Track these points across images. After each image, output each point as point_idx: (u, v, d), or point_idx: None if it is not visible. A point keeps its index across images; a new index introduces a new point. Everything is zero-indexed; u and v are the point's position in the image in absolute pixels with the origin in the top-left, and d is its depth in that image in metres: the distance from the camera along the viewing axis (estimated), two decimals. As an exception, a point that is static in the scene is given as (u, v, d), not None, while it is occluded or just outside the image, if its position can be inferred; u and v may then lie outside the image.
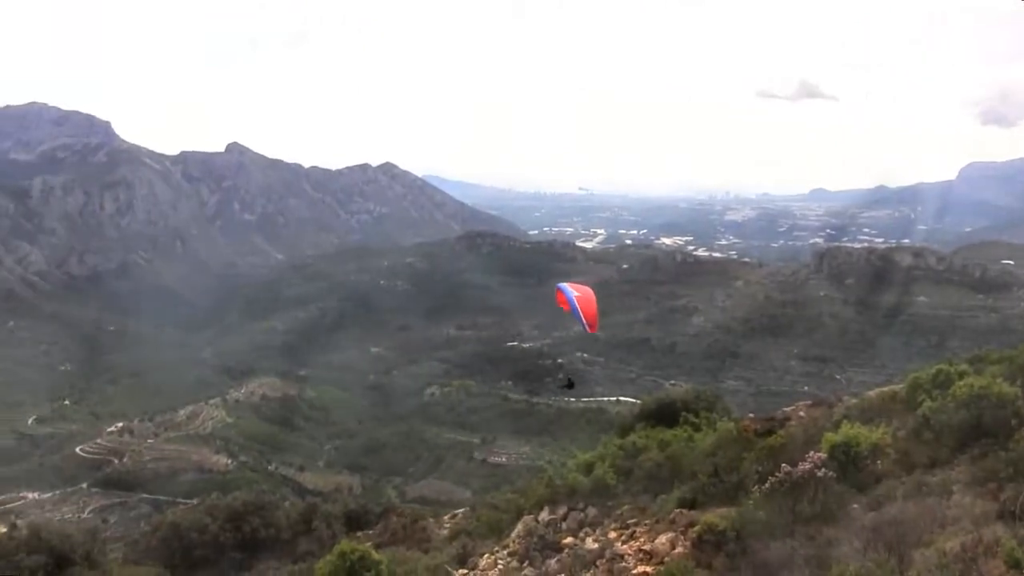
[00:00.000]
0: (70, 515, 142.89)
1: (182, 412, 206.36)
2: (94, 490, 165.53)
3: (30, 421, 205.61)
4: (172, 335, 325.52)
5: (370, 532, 35.97)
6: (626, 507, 25.23)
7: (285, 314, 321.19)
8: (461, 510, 38.82)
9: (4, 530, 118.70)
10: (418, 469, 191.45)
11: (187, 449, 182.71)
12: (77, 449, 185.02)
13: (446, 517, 38.18)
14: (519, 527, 27.13)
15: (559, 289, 33.74)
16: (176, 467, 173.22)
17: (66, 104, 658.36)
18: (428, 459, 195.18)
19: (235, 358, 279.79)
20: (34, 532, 35.64)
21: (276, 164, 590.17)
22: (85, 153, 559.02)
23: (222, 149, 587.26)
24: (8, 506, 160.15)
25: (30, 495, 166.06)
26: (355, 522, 40.34)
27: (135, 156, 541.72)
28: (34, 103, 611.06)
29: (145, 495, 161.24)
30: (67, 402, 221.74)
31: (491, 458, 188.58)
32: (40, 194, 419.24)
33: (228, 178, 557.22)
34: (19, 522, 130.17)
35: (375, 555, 22.98)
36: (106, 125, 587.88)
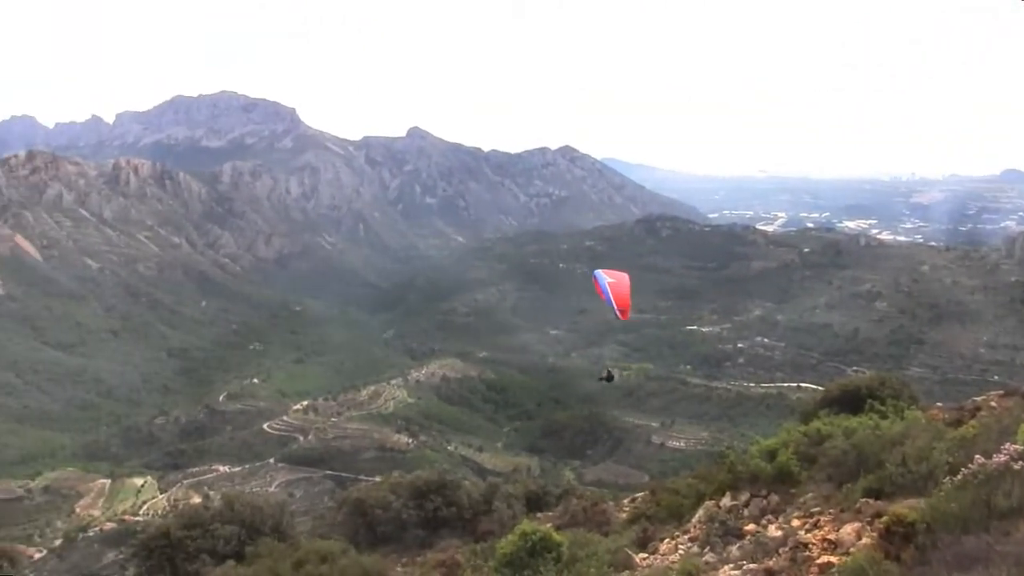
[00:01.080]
0: (258, 488, 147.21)
1: (364, 391, 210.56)
2: (280, 465, 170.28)
3: (221, 398, 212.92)
4: (355, 316, 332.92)
5: (550, 513, 35.68)
6: (810, 495, 24.28)
7: (465, 296, 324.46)
8: (640, 494, 38.15)
9: (199, 500, 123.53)
10: (596, 452, 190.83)
11: (369, 427, 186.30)
12: (265, 425, 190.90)
13: (625, 500, 37.57)
14: (700, 512, 26.39)
15: (595, 277, 32.84)
16: (358, 445, 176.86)
17: (254, 92, 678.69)
18: (607, 442, 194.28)
19: (416, 339, 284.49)
20: (228, 503, 36.34)
21: (456, 148, 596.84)
22: (272, 139, 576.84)
23: (403, 133, 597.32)
24: (201, 478, 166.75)
25: (221, 468, 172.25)
26: (535, 503, 40.08)
27: (319, 141, 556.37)
28: (224, 92, 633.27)
29: (328, 471, 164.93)
30: (255, 380, 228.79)
31: (669, 442, 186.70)
32: (230, 179, 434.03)
33: (409, 162, 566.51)
34: (211, 493, 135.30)
35: (556, 536, 22.59)
36: (292, 112, 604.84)
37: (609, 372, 47.46)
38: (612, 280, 38.54)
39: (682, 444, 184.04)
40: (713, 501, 26.86)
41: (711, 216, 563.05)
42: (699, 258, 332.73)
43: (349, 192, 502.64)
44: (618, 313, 37.63)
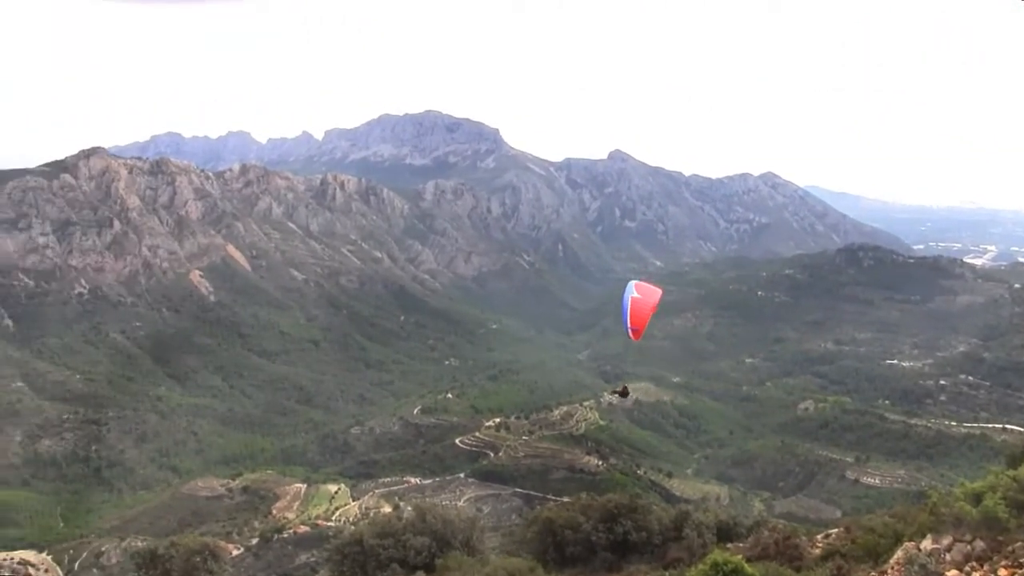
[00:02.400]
0: (447, 502, 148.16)
1: (557, 412, 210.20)
2: (470, 480, 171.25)
3: (416, 410, 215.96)
4: (550, 336, 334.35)
5: (741, 545, 34.32)
6: (1019, 544, 22.47)
7: (661, 321, 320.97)
8: (834, 530, 36.36)
9: (390, 510, 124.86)
10: (788, 484, 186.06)
11: (559, 448, 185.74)
12: (457, 440, 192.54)
13: (819, 536, 35.84)
14: (899, 553, 24.72)
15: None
16: (548, 464, 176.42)
17: (458, 112, 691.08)
18: (798, 475, 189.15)
19: (610, 362, 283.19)
20: (420, 515, 36.39)
21: (657, 171, 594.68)
22: (475, 159, 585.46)
23: (605, 156, 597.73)
24: (392, 488, 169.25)
25: (412, 479, 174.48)
26: (726, 533, 38.70)
27: (521, 162, 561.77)
28: (429, 111, 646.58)
29: (517, 489, 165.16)
30: (450, 395, 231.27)
31: (864, 478, 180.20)
32: (432, 197, 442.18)
33: (610, 184, 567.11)
34: (402, 504, 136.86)
35: (748, 568, 21.42)
36: (495, 132, 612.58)
37: (625, 387, 46.09)
38: (638, 296, 36.41)
39: (877, 481, 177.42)
40: (913, 543, 25.24)
41: (916, 247, 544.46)
42: (902, 290, 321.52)
43: (549, 213, 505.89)
44: (629, 332, 35.65)
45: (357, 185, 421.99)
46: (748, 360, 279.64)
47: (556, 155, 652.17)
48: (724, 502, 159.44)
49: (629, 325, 34.36)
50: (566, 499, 57.18)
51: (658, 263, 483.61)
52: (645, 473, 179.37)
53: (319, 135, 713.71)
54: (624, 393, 51.00)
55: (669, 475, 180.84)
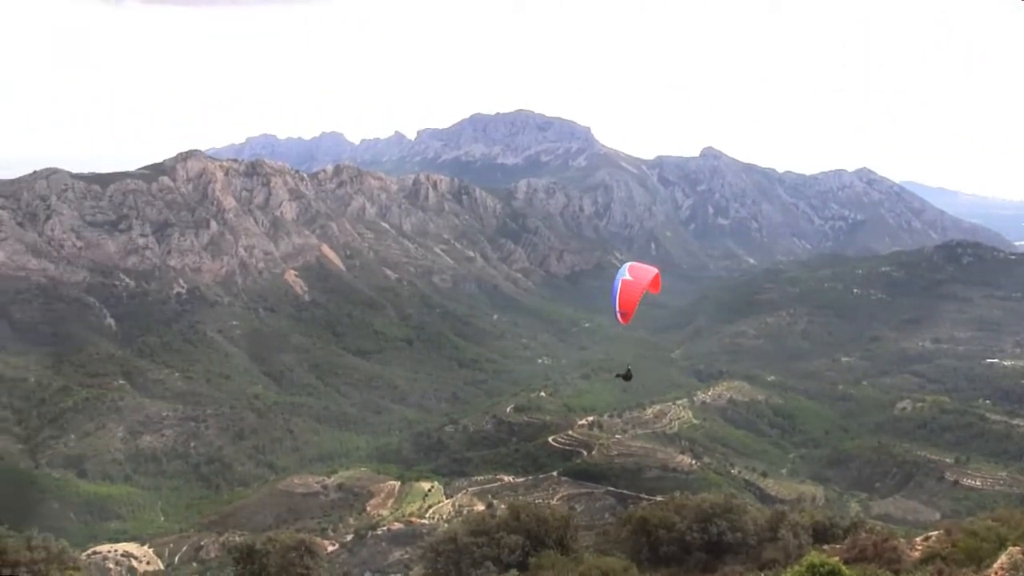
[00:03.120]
0: (541, 500, 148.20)
1: (650, 410, 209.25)
2: (563, 478, 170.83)
3: (508, 409, 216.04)
4: (644, 335, 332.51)
5: (837, 546, 33.87)
6: None
7: (755, 319, 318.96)
8: (934, 533, 35.69)
9: (483, 508, 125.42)
10: (885, 485, 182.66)
11: (653, 446, 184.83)
12: (550, 439, 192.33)
13: (918, 539, 35.24)
14: (1003, 559, 24.22)
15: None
16: (641, 463, 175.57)
17: (550, 111, 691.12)
18: (896, 476, 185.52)
19: (704, 360, 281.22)
20: (513, 513, 36.50)
21: (750, 168, 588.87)
22: (567, 157, 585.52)
23: (697, 153, 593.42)
24: (485, 486, 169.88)
25: (505, 478, 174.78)
26: (822, 534, 38.23)
27: (613, 160, 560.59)
28: (521, 111, 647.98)
29: (610, 488, 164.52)
30: (543, 393, 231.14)
31: (964, 480, 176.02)
32: (525, 196, 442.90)
33: (702, 182, 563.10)
34: (495, 502, 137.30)
35: (845, 571, 21.20)
36: (586, 131, 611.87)
37: (629, 371, 45.52)
38: (630, 278, 35.65)
39: (978, 483, 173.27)
40: (1018, 548, 24.72)
41: (1018, 244, 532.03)
42: (1003, 287, 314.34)
43: (641, 211, 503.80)
44: (618, 316, 34.93)
45: (449, 185, 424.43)
46: (844, 359, 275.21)
47: (648, 153, 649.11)
48: (820, 503, 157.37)
49: (618, 308, 34.02)
50: (659, 498, 56.84)
51: (751, 260, 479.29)
52: (739, 473, 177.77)
53: (411, 135, 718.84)
54: (628, 376, 51.10)
55: (763, 475, 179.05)
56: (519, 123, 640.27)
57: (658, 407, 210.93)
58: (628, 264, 34.86)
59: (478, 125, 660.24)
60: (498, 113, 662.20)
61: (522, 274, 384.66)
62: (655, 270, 37.06)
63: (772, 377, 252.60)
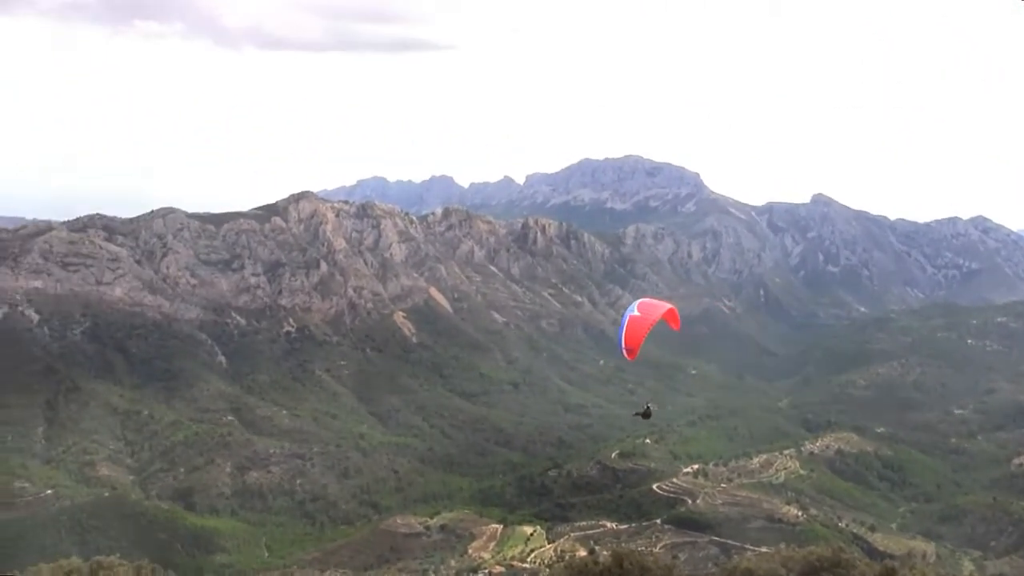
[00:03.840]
0: (643, 547, 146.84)
1: (756, 459, 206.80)
2: (667, 527, 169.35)
3: (613, 455, 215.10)
4: (751, 382, 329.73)
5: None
6: None
7: (865, 369, 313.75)
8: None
9: (585, 554, 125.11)
10: (1000, 544, 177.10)
11: (758, 496, 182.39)
12: (654, 486, 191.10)
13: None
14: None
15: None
16: (747, 513, 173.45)
17: (658, 156, 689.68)
18: (1012, 534, 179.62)
19: (812, 410, 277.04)
20: (617, 560, 36.57)
21: (861, 215, 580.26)
22: (676, 203, 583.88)
23: (807, 200, 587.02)
24: (588, 532, 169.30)
25: (608, 524, 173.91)
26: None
27: (722, 206, 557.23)
28: (629, 156, 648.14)
29: (714, 537, 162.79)
30: (648, 440, 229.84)
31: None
32: (633, 241, 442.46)
33: (812, 229, 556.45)
34: (597, 548, 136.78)
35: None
36: (695, 176, 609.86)
37: (648, 408, 45.04)
38: (638, 314, 35.69)
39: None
40: None
41: None
42: None
43: (750, 257, 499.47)
44: (624, 352, 34.84)
45: (558, 229, 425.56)
46: (957, 411, 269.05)
47: (758, 199, 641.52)
48: (931, 560, 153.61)
49: (623, 344, 34.19)
50: (765, 549, 56.66)
51: (862, 309, 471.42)
52: (847, 526, 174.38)
53: (520, 179, 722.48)
54: (647, 415, 51.15)
55: (872, 529, 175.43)
56: (628, 168, 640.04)
57: (764, 456, 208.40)
58: (639, 300, 35.41)
59: (587, 170, 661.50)
60: (607, 158, 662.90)
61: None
62: (668, 305, 37.63)
63: (882, 428, 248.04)
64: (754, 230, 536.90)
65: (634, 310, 36.21)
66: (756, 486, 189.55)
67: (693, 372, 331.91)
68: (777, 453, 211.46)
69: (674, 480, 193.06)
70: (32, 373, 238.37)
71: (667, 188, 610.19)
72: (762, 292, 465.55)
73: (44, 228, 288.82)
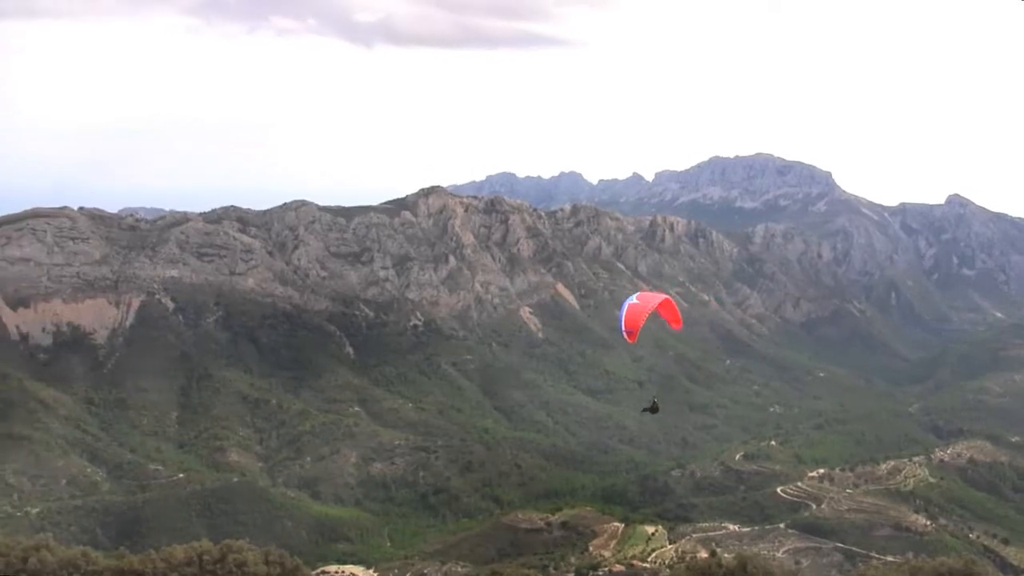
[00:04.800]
0: (765, 551, 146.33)
1: (883, 466, 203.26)
2: (790, 531, 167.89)
3: (737, 456, 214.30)
4: (880, 387, 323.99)
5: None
6: None
7: (1001, 376, 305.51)
8: None
9: (706, 555, 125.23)
10: None
11: (885, 504, 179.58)
12: (778, 489, 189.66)
13: None
14: None
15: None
16: (872, 520, 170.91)
17: (789, 155, 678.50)
18: None
19: (943, 416, 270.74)
20: (740, 563, 36.88)
21: (999, 218, 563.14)
22: (806, 202, 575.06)
23: (942, 200, 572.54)
24: (710, 533, 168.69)
25: (731, 526, 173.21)
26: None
27: (854, 206, 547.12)
28: (760, 154, 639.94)
29: (839, 544, 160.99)
30: (773, 442, 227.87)
31: None
32: (762, 240, 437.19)
33: (947, 231, 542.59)
34: (719, 550, 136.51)
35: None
36: (827, 175, 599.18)
37: (655, 402, 44.90)
38: (636, 301, 37.47)
39: None
40: None
41: None
42: None
43: (882, 259, 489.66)
44: (624, 334, 36.31)
45: (686, 227, 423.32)
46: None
47: (890, 199, 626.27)
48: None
49: (624, 327, 35.86)
50: (891, 558, 56.39)
51: (998, 314, 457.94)
52: (978, 537, 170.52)
53: (649, 176, 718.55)
54: (654, 409, 51.29)
55: (1005, 542, 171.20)
56: (758, 167, 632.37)
57: (892, 463, 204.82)
58: (637, 292, 37.72)
59: (716, 168, 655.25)
60: (737, 156, 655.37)
61: (756, 319, 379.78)
62: (663, 296, 40.11)
63: (1016, 438, 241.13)
64: (886, 231, 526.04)
65: (632, 299, 38.76)
66: (883, 493, 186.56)
67: (821, 375, 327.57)
68: (906, 460, 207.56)
69: (799, 484, 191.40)
70: (167, 360, 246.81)
71: (798, 187, 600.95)
72: (893, 295, 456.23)
73: (181, 219, 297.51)
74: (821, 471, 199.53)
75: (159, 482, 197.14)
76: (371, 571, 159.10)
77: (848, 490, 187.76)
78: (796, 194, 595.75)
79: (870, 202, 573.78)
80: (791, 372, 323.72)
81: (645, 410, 49.11)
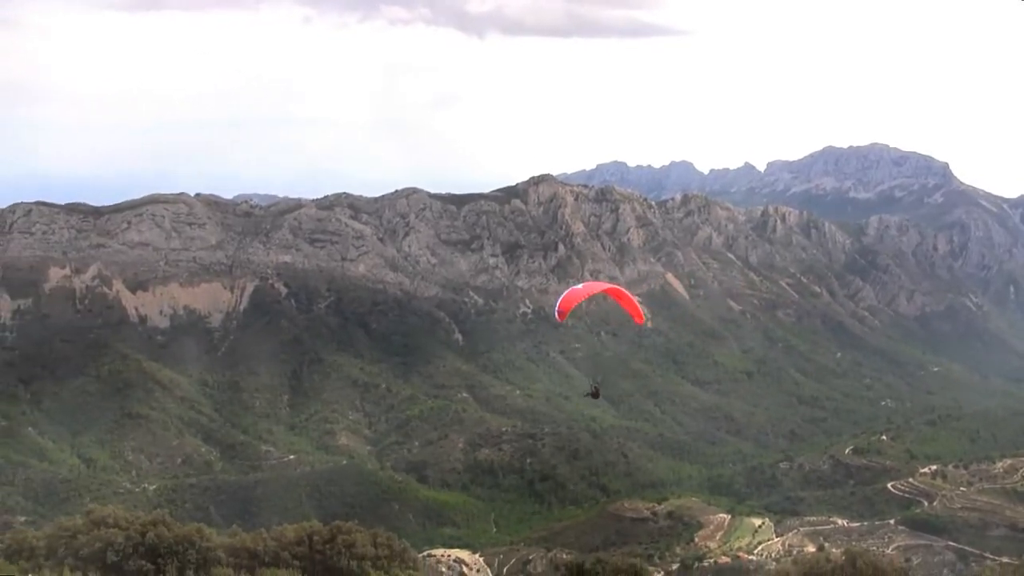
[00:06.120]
0: (874, 548, 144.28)
1: (999, 464, 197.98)
2: (900, 528, 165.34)
3: (847, 450, 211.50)
4: (995, 383, 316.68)
5: None
6: None
7: None
8: None
9: (813, 550, 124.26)
10: None
11: (1001, 503, 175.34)
12: (889, 485, 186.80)
13: None
14: None
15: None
16: (987, 520, 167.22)
17: (905, 145, 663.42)
18: None
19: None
20: (850, 559, 36.61)
21: None
22: (921, 194, 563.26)
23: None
24: (817, 527, 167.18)
25: (839, 521, 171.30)
26: None
27: (971, 198, 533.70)
28: (875, 144, 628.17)
29: (951, 542, 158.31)
30: (884, 437, 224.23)
31: None
32: (875, 232, 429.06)
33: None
34: (827, 545, 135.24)
35: None
36: (944, 166, 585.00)
37: (596, 388, 44.87)
38: (579, 287, 39.28)
39: None
40: None
41: None
42: None
43: (1000, 252, 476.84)
44: (556, 314, 37.67)
45: (798, 218, 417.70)
46: None
47: (1011, 191, 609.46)
48: None
49: (557, 307, 37.32)
50: (1006, 560, 55.52)
51: None
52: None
53: (761, 166, 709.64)
54: (595, 394, 51.41)
55: None
56: (873, 157, 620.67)
57: (1009, 461, 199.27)
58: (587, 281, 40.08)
59: (830, 158, 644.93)
60: (851, 146, 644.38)
61: (869, 312, 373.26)
62: (609, 284, 43.01)
63: None
64: (1006, 224, 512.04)
65: (578, 286, 41.22)
66: (999, 492, 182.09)
67: (935, 369, 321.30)
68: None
69: (910, 480, 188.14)
70: (280, 344, 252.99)
71: (913, 178, 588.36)
72: (1012, 289, 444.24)
73: (294, 205, 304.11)
74: (933, 467, 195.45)
75: (270, 463, 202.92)
76: (477, 556, 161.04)
77: (962, 488, 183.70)
78: (912, 185, 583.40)
79: (988, 193, 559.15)
80: (904, 366, 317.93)
81: (587, 395, 50.79)
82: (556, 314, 41.22)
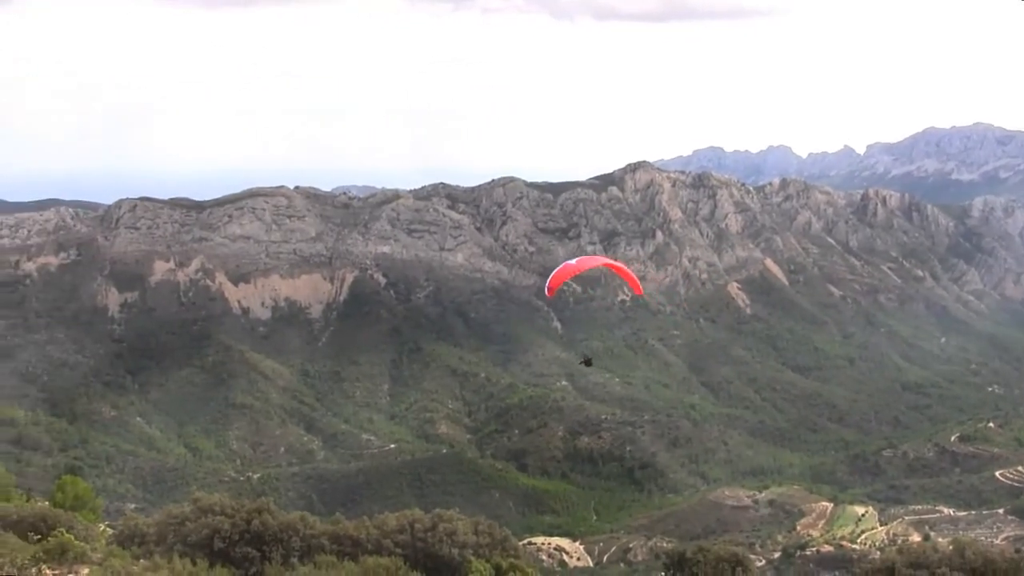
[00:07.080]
0: (983, 537, 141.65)
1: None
2: (1010, 517, 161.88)
3: (953, 438, 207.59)
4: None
5: None
6: None
7: None
8: None
9: (919, 539, 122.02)
10: None
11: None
12: (997, 473, 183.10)
13: None
14: None
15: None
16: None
17: (1010, 124, 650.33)
18: None
19: None
20: (958, 549, 35.83)
21: None
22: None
23: None
24: (923, 516, 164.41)
25: (945, 510, 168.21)
26: None
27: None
28: (978, 124, 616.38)
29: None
30: (991, 424, 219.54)
31: None
32: (980, 214, 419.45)
33: None
34: (932, 534, 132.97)
35: None
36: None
37: (587, 357, 44.59)
38: (572, 263, 38.75)
39: None
40: None
41: None
42: None
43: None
44: (546, 290, 37.26)
45: (899, 201, 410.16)
46: None
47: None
48: None
49: (548, 283, 37.56)
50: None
51: None
52: None
53: (861, 149, 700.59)
54: (588, 363, 51.53)
55: None
56: (976, 137, 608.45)
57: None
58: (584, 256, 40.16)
59: (931, 139, 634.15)
60: (953, 127, 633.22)
61: (974, 296, 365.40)
62: (604, 259, 43.01)
63: None
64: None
65: (572, 261, 41.23)
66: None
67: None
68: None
69: (1019, 468, 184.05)
70: (379, 333, 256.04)
71: (1019, 158, 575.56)
72: None
73: (392, 196, 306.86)
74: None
75: (371, 452, 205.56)
76: (577, 544, 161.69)
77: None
78: (1018, 165, 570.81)
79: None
80: (1011, 351, 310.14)
81: (581, 363, 51.49)
82: (546, 290, 42.13)
